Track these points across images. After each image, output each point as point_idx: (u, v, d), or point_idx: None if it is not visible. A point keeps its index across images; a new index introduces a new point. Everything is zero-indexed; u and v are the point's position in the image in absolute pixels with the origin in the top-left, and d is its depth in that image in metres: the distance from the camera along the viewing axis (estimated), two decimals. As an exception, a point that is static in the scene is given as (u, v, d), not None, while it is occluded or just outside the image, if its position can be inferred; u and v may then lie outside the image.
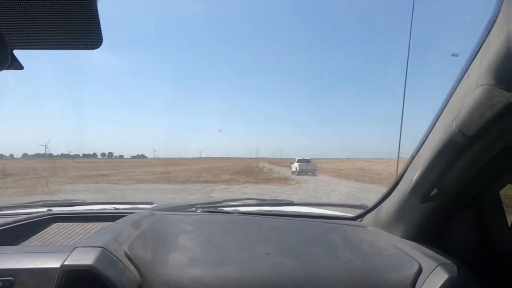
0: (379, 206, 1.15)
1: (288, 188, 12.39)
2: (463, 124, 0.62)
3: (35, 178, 17.95)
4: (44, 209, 1.30)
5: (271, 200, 1.66)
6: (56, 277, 0.65)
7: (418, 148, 0.88)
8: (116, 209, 1.33)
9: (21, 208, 1.38)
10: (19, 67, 0.52)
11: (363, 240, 1.00)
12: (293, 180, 16.23)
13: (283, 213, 1.36)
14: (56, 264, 0.67)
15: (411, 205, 0.91)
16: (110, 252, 0.74)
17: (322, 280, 0.78)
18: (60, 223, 1.12)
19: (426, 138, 0.84)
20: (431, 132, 0.81)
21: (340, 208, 1.62)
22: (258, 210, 1.39)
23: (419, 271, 0.79)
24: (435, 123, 0.80)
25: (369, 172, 24.99)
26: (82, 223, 1.12)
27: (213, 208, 1.37)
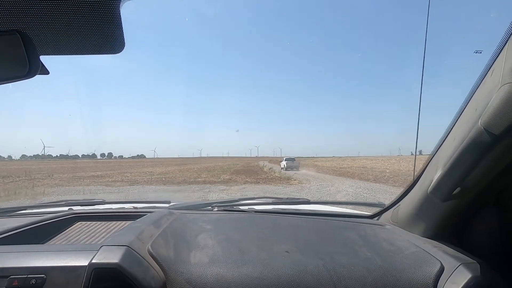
0: (397, 205, 1.13)
1: (290, 189, 11.68)
2: (489, 122, 0.61)
3: (27, 180, 17.33)
4: (66, 208, 1.35)
5: (286, 198, 1.60)
6: (85, 274, 0.66)
7: (438, 146, 0.87)
8: (135, 208, 1.35)
9: (44, 208, 1.44)
10: (46, 72, 0.55)
11: (381, 239, 0.98)
12: (294, 180, 15.46)
13: (299, 211, 1.35)
14: (84, 262, 0.69)
15: (432, 204, 0.89)
16: (134, 250, 0.75)
17: (343, 279, 0.76)
18: (83, 222, 1.16)
19: (446, 136, 0.83)
20: (452, 130, 0.80)
21: (356, 207, 1.64)
22: (274, 208, 1.38)
23: (441, 270, 0.78)
24: (456, 121, 0.79)
25: (372, 170, 24.32)
26: (103, 222, 1.15)
27: (229, 206, 1.38)
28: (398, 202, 1.12)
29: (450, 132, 0.81)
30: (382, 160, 57.51)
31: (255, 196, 1.83)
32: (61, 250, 0.75)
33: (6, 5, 0.47)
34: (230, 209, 1.33)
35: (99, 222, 1.14)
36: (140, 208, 1.33)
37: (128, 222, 1.07)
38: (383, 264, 0.81)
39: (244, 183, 14.01)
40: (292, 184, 13.79)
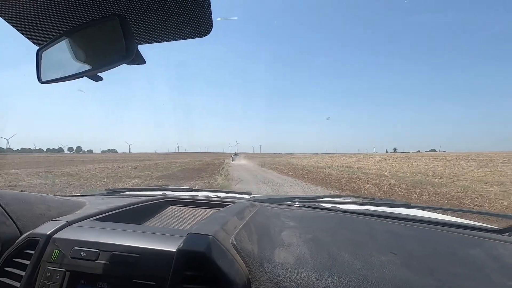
0: None
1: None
2: None
3: None
4: (160, 193, 1.54)
5: (380, 199, 1.43)
6: (174, 260, 0.67)
7: None
8: (218, 197, 1.44)
9: (144, 191, 1.71)
10: (142, 61, 0.56)
11: None
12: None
13: (396, 215, 1.15)
14: (173, 248, 0.70)
15: None
16: (219, 241, 0.74)
17: None
18: (174, 207, 1.25)
19: None
20: None
21: (472, 216, 1.39)
22: (362, 209, 1.25)
23: None
24: None
25: (363, 172, 17.27)
26: (191, 208, 1.24)
27: (312, 203, 1.34)
28: None
29: None
30: (363, 157, 51.44)
31: (342, 194, 1.76)
32: (154, 232, 0.78)
33: None
34: (313, 206, 1.28)
35: (187, 208, 1.23)
36: (223, 197, 1.43)
37: (212, 211, 1.16)
38: None
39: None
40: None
